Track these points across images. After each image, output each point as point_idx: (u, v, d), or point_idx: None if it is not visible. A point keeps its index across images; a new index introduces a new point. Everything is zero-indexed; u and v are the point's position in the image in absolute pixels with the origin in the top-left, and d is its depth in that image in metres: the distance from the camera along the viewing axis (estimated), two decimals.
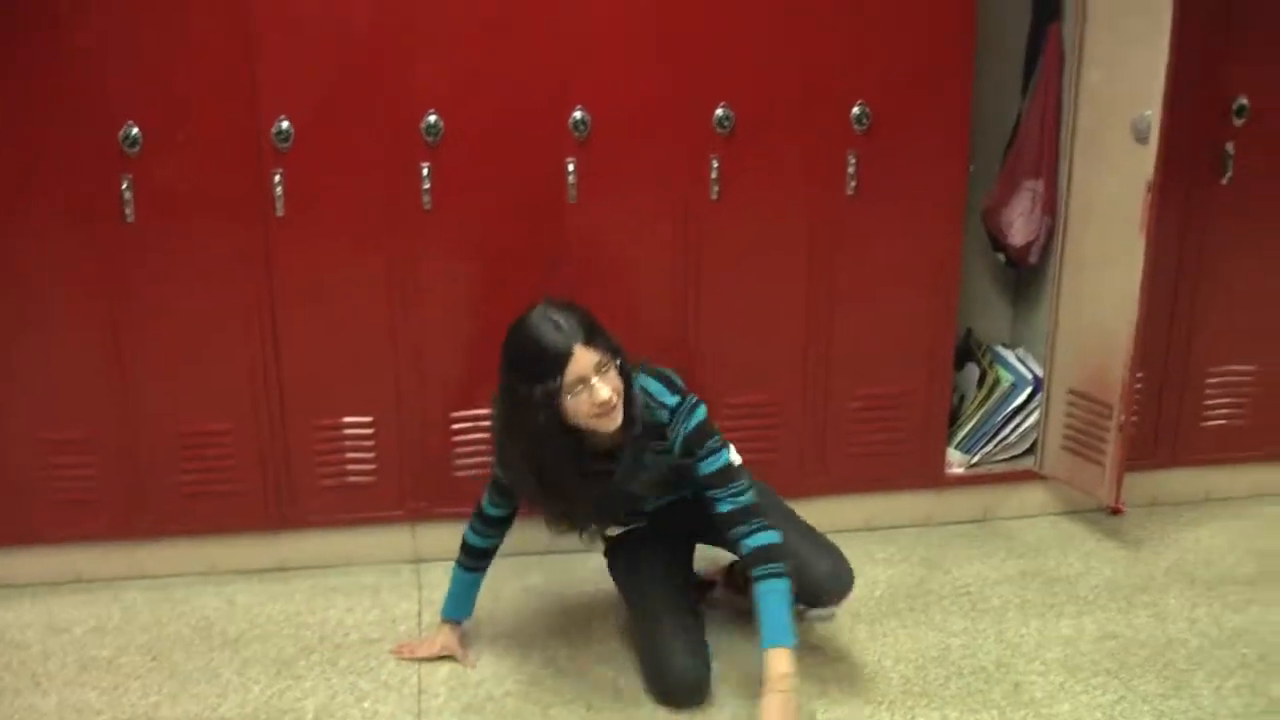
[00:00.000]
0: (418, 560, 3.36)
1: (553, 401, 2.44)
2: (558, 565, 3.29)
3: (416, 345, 3.16)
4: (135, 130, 2.91)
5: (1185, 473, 3.67)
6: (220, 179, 2.98)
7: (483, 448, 3.18)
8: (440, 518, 3.27)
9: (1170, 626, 3.02)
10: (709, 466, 2.60)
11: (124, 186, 2.94)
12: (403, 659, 2.88)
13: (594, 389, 2.44)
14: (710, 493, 2.61)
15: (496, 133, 3.05)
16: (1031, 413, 3.52)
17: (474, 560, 2.86)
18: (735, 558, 2.76)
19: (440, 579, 2.97)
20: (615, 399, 2.47)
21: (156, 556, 3.26)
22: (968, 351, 3.66)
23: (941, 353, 3.41)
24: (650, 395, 2.61)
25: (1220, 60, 3.31)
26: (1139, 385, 3.41)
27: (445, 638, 2.89)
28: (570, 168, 3.07)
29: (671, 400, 2.61)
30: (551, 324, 2.45)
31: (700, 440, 2.60)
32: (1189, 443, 3.63)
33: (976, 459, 3.55)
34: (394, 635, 2.99)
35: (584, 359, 2.43)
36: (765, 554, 2.55)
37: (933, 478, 3.51)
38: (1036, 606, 3.12)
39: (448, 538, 2.96)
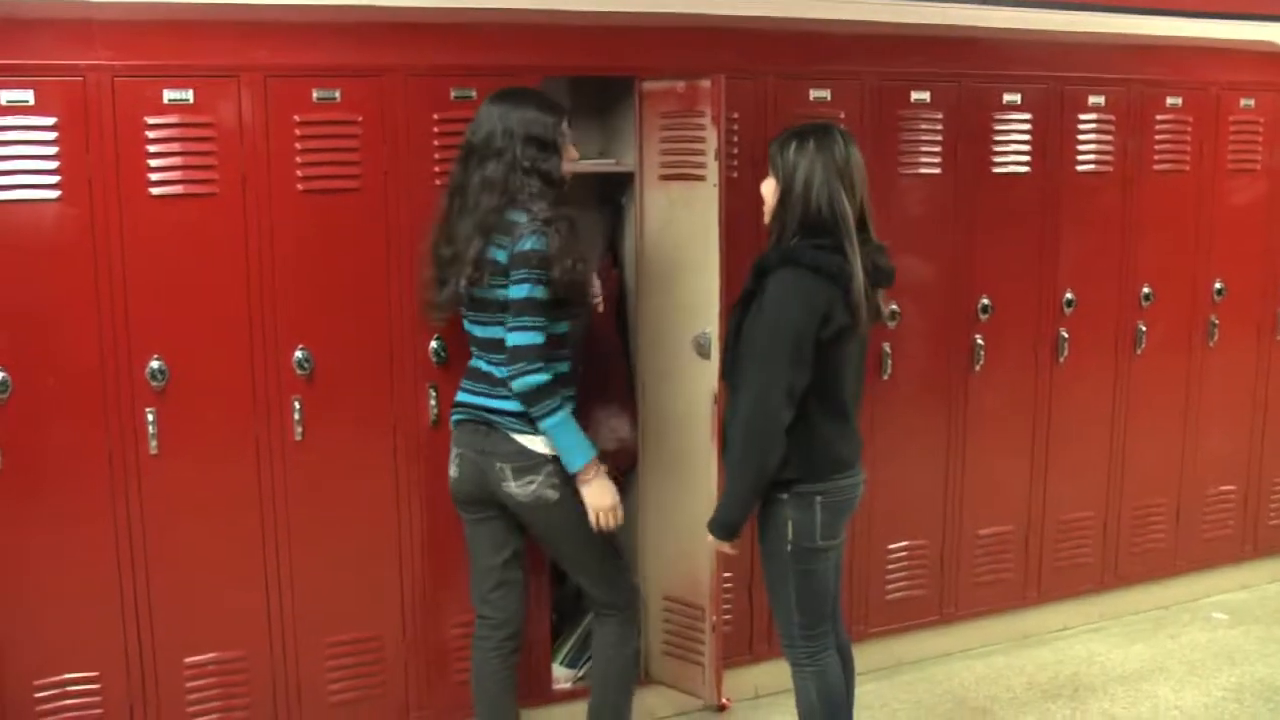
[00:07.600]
0: None
1: None
2: None
3: None
4: None
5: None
6: None
7: None
8: None
9: None
10: (516, 292, 2.83)
11: None
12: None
13: None
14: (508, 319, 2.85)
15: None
16: None
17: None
18: None
19: None
20: None
21: None
22: None
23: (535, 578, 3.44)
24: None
25: None
26: (727, 585, 3.58)
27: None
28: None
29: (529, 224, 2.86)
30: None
31: (524, 262, 2.82)
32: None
33: (582, 673, 3.60)
34: None
35: None
36: (536, 394, 2.84)
37: (540, 694, 3.55)
38: None
39: None
